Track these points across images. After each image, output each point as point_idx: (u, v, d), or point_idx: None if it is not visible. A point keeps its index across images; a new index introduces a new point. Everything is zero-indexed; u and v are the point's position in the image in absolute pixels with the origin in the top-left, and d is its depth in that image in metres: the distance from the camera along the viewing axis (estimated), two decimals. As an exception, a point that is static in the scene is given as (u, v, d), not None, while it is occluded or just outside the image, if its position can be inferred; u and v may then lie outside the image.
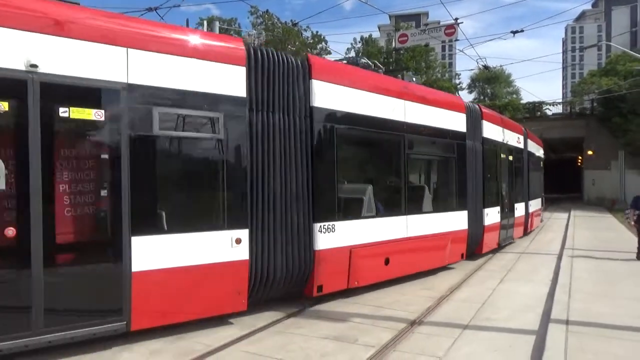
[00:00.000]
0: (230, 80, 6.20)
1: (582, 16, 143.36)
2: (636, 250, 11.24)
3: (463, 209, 10.75)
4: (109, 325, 5.17)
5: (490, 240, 12.35)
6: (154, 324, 5.58)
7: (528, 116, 37.86)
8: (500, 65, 51.93)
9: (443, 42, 19.64)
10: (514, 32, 14.69)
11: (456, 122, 10.60)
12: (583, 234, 16.44)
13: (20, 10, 4.81)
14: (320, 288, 7.16)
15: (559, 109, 41.11)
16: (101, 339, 5.23)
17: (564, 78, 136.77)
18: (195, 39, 6.09)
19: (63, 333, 4.89)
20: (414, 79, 10.23)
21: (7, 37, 4.69)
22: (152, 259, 5.44)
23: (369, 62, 9.68)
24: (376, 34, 57.15)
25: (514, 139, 15.02)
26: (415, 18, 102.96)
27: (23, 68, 4.74)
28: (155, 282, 5.47)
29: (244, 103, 6.30)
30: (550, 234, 17.52)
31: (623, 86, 30.60)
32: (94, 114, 5.13)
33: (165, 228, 5.63)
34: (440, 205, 10.24)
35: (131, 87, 5.36)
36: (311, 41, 40.59)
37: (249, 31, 40.98)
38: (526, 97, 64.82)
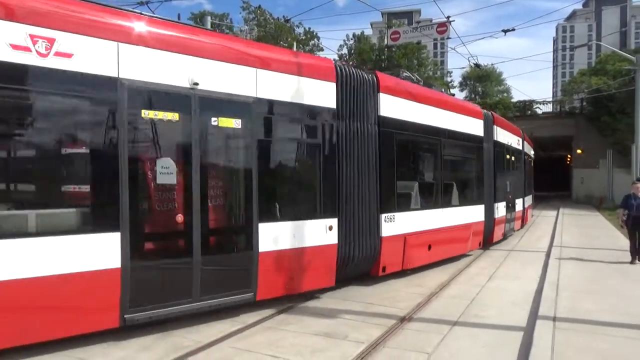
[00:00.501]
0: (325, 94, 7.55)
1: (572, 15, 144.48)
2: (629, 249, 10.61)
3: (481, 204, 12.40)
4: (242, 295, 6.36)
5: (498, 231, 13.92)
6: (272, 295, 6.79)
7: (518, 115, 38.13)
8: (492, 64, 52.22)
9: (435, 39, 19.71)
10: (505, 31, 14.77)
11: (476, 127, 12.25)
12: (571, 232, 16.63)
13: (186, 40, 6.07)
14: (384, 269, 8.56)
15: (549, 108, 41.51)
16: (92, 335, 5.22)
17: (554, 77, 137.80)
18: (301, 60, 7.51)
19: (213, 301, 6.04)
20: (414, 77, 10.52)
21: (177, 60, 5.87)
22: (273, 242, 6.66)
23: (411, 75, 10.86)
24: (369, 31, 57.20)
25: (515, 141, 16.81)
26: (408, 16, 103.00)
27: (187, 85, 5.88)
28: (275, 261, 6.69)
29: (334, 113, 7.64)
30: (538, 232, 17.70)
31: (612, 85, 30.86)
32: (234, 123, 6.36)
33: (280, 217, 6.86)
34: (465, 199, 11.65)
35: (259, 100, 6.58)
36: (303, 37, 40.52)
37: (241, 27, 40.84)
38: (517, 96, 65.37)
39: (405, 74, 10.52)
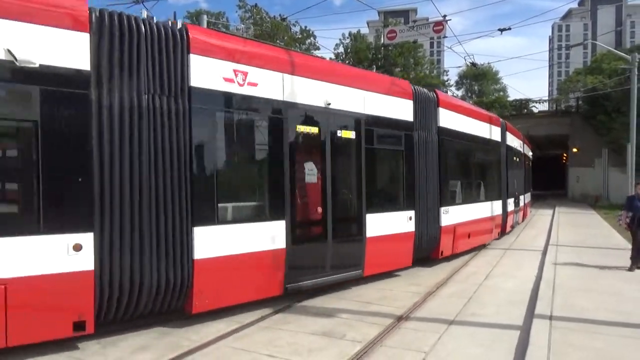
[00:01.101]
0: (406, 110, 9.43)
1: (568, 15, 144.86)
2: (630, 253, 9.92)
3: (499, 199, 14.56)
4: (354, 272, 8.06)
5: (509, 222, 16.04)
6: (375, 272, 8.59)
7: (515, 113, 38.24)
8: (488, 63, 52.28)
9: (431, 38, 19.74)
10: (502, 30, 14.77)
11: (497, 134, 14.57)
12: (567, 230, 16.71)
13: (323, 69, 8.15)
14: (442, 252, 10.50)
15: (545, 107, 41.62)
16: (90, 336, 5.20)
17: (550, 76, 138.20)
18: (390, 82, 9.59)
19: (337, 275, 7.73)
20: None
21: (317, 86, 7.57)
22: (376, 229, 8.35)
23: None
24: (365, 30, 57.19)
25: (518, 144, 19.16)
26: (404, 14, 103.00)
27: (323, 105, 7.58)
28: (377, 244, 8.36)
29: (412, 125, 9.56)
30: (535, 230, 17.77)
31: (608, 85, 30.98)
32: (351, 134, 8.10)
33: (379, 209, 8.65)
34: (490, 196, 13.79)
35: (366, 116, 8.32)
36: (300, 36, 40.48)
37: (237, 25, 40.76)
38: (513, 95, 65.51)
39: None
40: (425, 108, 10.02)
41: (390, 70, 38.77)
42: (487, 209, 13.30)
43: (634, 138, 24.83)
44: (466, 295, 7.80)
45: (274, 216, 6.85)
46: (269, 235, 6.72)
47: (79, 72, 5.05)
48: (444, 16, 14.91)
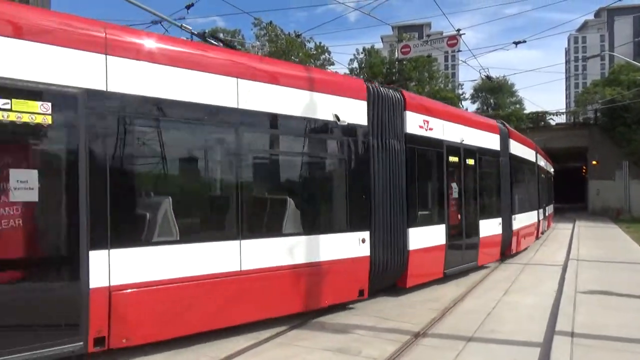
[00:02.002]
0: (496, 141, 12.58)
1: (584, 26, 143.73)
2: None
3: (535, 210, 17.52)
4: (472, 263, 10.96)
5: (540, 229, 18.82)
6: (483, 263, 11.39)
7: (532, 126, 37.82)
8: (503, 76, 52.09)
9: (446, 52, 19.78)
10: (516, 43, 14.75)
11: (530, 153, 17.36)
12: (588, 245, 16.36)
13: (459, 116, 11.30)
14: (511, 251, 13.48)
15: (562, 119, 41.09)
16: (105, 353, 5.23)
17: (567, 88, 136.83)
18: (485, 122, 12.83)
19: (465, 265, 10.64)
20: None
21: (456, 128, 10.52)
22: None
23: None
24: (379, 45, 57.51)
25: (544, 163, 22.00)
26: (418, 29, 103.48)
27: (459, 141, 10.57)
28: (486, 242, 11.20)
29: (499, 153, 12.66)
30: (555, 245, 17.45)
31: (627, 96, 30.56)
32: (472, 162, 11.26)
33: (486, 216, 11.50)
34: (532, 206, 16.87)
35: (479, 148, 11.44)
36: (314, 52, 40.89)
37: (253, 42, 41.37)
38: (529, 108, 64.91)
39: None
40: (505, 140, 13.29)
41: (405, 85, 38.85)
42: (533, 216, 17.13)
43: (655, 150, 24.45)
44: (485, 310, 7.67)
45: (440, 221, 9.77)
46: (438, 235, 9.62)
47: (362, 126, 7.86)
48: (458, 30, 14.95)
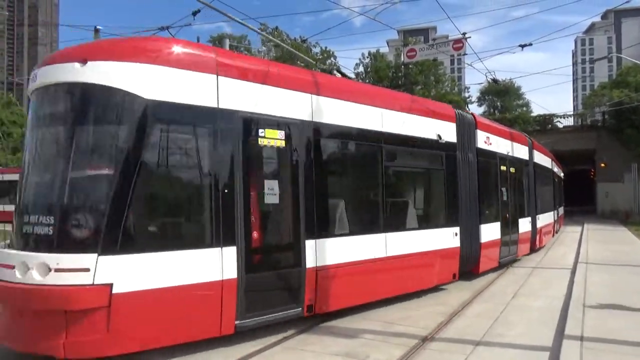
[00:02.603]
0: (523, 151, 14.93)
1: (591, 28, 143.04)
2: None
3: (551, 211, 19.82)
4: (512, 256, 12.88)
5: (556, 227, 21.86)
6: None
7: (539, 129, 37.63)
8: (510, 79, 51.86)
9: (451, 56, 19.75)
10: (522, 46, 14.69)
11: (547, 161, 19.62)
12: (597, 248, 16.23)
13: (504, 133, 13.23)
14: (535, 246, 15.41)
15: (570, 122, 40.85)
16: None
17: (575, 90, 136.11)
18: (519, 135, 15.21)
19: (511, 257, 12.77)
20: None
21: (503, 141, 12.60)
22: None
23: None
24: (385, 49, 57.54)
25: (558, 170, 24.50)
26: (424, 33, 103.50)
27: (505, 153, 12.66)
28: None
29: (527, 162, 15.06)
30: (563, 248, 17.32)
31: (635, 98, 30.34)
32: (513, 170, 13.26)
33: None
34: (547, 207, 18.56)
35: (511, 157, 13.22)
36: (320, 57, 40.97)
37: (259, 48, 41.52)
38: (536, 110, 64.54)
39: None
40: (531, 149, 15.53)
41: (411, 89, 38.83)
42: (551, 216, 19.56)
43: (664, 152, 24.24)
44: (493, 315, 7.62)
45: (496, 220, 11.78)
46: (496, 231, 11.66)
47: (453, 143, 9.87)
48: (464, 34, 14.91)
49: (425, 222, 9.44)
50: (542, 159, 17.95)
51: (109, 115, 5.40)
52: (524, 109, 56.06)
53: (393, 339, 6.37)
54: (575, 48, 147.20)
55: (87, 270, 4.83)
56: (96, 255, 4.85)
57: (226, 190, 5.75)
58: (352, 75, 44.33)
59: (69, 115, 5.45)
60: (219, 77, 5.81)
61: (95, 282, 4.84)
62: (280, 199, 6.39)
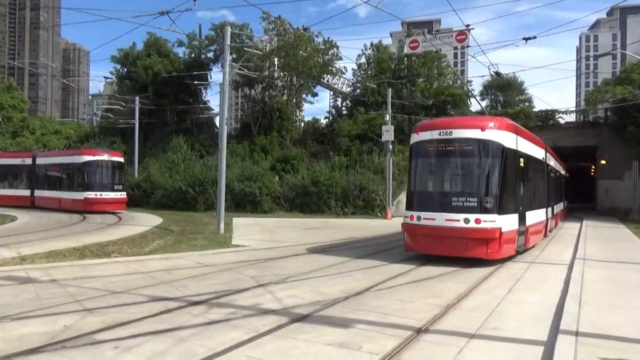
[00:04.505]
0: (542, 153, 17.91)
1: (596, 24, 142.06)
2: None
3: (560, 202, 24.77)
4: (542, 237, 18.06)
5: (561, 218, 25.93)
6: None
7: (540, 124, 37.45)
8: (513, 73, 51.61)
9: (455, 48, 19.64)
10: (526, 39, 14.58)
11: (556, 162, 22.74)
12: (595, 244, 16.18)
13: (541, 143, 17.87)
14: (550, 230, 19.05)
15: (572, 118, 40.64)
16: (105, 340, 5.22)
17: (578, 87, 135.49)
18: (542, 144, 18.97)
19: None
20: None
21: (539, 150, 16.80)
22: (551, 215, 18.47)
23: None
24: (388, 41, 57.12)
25: (561, 168, 26.98)
26: (428, 25, 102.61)
27: (541, 158, 17.13)
28: (552, 221, 19.22)
29: (544, 162, 17.96)
30: (561, 244, 17.27)
31: (638, 95, 30.15)
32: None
33: (552, 205, 20.08)
34: (557, 200, 22.74)
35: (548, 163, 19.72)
36: (322, 47, 40.67)
37: (261, 36, 41.18)
38: (539, 105, 64.23)
39: None
40: (546, 152, 18.31)
41: (413, 81, 38.62)
42: (562, 205, 25.91)
43: (665, 150, 24.14)
44: (488, 308, 7.57)
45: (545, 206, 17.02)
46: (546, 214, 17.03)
47: (543, 160, 16.84)
48: (467, 25, 14.76)
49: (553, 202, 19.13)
50: (553, 161, 21.74)
51: (495, 153, 11.99)
52: (526, 104, 55.80)
53: (387, 330, 6.32)
54: (579, 44, 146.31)
55: (494, 221, 11.30)
56: (497, 215, 11.39)
57: (533, 186, 14.56)
58: (354, 66, 44.07)
59: (474, 152, 12.08)
60: (517, 137, 12.74)
61: (496, 227, 11.28)
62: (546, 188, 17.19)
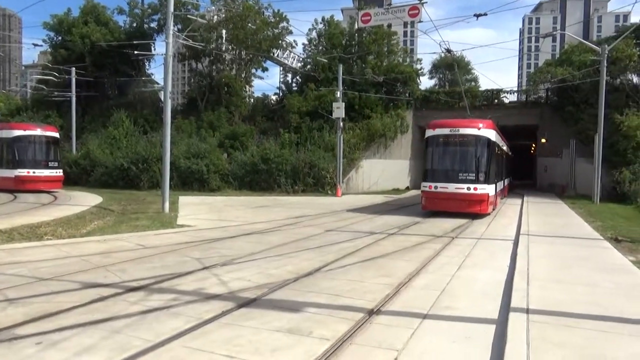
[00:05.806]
0: (500, 137, 24.70)
1: (539, 7, 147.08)
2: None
3: (508, 177, 30.18)
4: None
5: (506, 191, 28.95)
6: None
7: (486, 103, 38.37)
8: (461, 50, 52.42)
9: (405, 25, 19.43)
10: (477, 15, 14.56)
11: (502, 142, 25.08)
12: (537, 220, 16.74)
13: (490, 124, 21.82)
14: (505, 195, 28.70)
15: (515, 97, 41.87)
16: (28, 335, 4.64)
17: (520, 68, 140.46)
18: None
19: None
20: None
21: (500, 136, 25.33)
22: (506, 185, 29.45)
23: None
24: (339, 17, 56.38)
25: (505, 145, 28.13)
26: (378, 2, 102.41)
27: (502, 145, 26.77)
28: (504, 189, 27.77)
29: (498, 144, 22.86)
30: (505, 219, 17.78)
31: (577, 76, 31.33)
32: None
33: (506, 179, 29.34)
34: (506, 174, 27.94)
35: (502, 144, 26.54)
36: (272, 20, 39.50)
37: (208, 7, 39.42)
38: (484, 85, 65.99)
39: None
40: (498, 134, 21.33)
41: (364, 58, 38.33)
42: (507, 181, 29.29)
43: (601, 129, 25.26)
44: (439, 287, 7.51)
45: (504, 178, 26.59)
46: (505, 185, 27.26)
47: (500, 141, 22.83)
48: (420, 0, 14.51)
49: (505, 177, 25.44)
50: (501, 140, 23.66)
51: (485, 144, 18.18)
52: (473, 83, 57.08)
53: (338, 313, 6.07)
54: (522, 26, 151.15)
55: (485, 189, 17.58)
56: (486, 185, 17.60)
57: (499, 163, 21.42)
58: (305, 41, 43.16)
59: (472, 144, 18.08)
60: (495, 132, 20.01)
61: (485, 192, 17.62)
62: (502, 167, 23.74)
